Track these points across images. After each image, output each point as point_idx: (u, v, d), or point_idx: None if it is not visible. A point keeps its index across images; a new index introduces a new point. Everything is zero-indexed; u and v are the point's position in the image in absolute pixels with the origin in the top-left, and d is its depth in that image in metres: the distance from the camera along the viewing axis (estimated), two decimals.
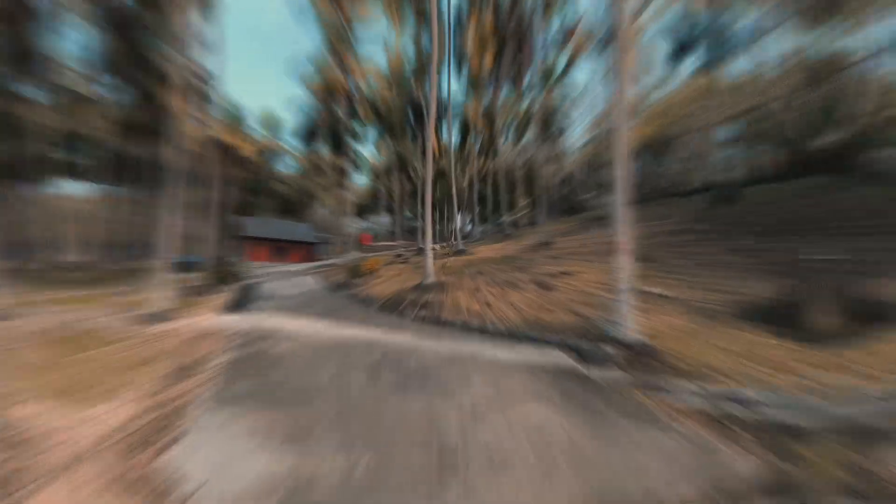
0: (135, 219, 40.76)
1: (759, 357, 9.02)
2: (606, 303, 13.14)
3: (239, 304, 19.69)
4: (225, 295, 20.93)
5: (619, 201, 10.36)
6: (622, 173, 10.40)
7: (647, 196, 46.06)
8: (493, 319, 13.42)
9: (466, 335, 12.06)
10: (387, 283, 24.18)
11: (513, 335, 11.67)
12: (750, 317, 11.53)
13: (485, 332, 12.51)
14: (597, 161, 38.62)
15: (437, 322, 14.44)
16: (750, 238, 17.36)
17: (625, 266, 10.15)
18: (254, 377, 6.83)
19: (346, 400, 5.98)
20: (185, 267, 45.72)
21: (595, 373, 8.43)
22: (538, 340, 10.89)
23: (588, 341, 10.06)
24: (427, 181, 20.71)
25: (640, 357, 9.05)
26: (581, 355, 9.59)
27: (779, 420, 6.11)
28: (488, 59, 33.98)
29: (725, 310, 12.12)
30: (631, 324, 9.86)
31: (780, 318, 11.09)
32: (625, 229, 10.29)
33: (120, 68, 30.46)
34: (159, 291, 12.56)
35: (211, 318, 13.44)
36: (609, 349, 9.24)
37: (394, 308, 17.52)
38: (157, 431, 4.85)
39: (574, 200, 66.26)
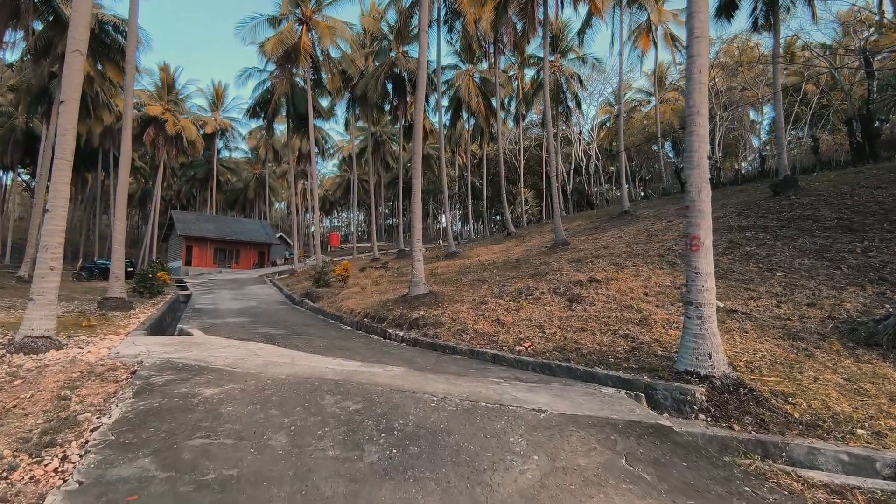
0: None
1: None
2: (662, 320, 11.78)
3: (164, 324, 17.82)
4: (148, 310, 18.99)
5: (696, 179, 8.63)
6: (699, 137, 8.67)
7: (683, 186, 44.97)
8: (512, 344, 11.74)
9: (480, 368, 10.29)
10: (362, 293, 22.45)
11: (545, 367, 9.91)
12: (853, 338, 10.14)
13: (503, 362, 10.79)
14: (617, 145, 37.14)
15: (434, 347, 12.71)
16: (825, 235, 15.99)
17: (702, 269, 8.41)
18: (156, 451, 4.86)
19: (307, 497, 4.14)
20: (100, 273, 43.69)
21: (684, 428, 6.66)
22: (584, 376, 9.12)
23: (656, 377, 8.33)
24: (416, 157, 18.90)
25: (736, 401, 7.36)
26: (652, 399, 7.83)
27: None
28: (487, 15, 32.14)
29: (818, 329, 10.74)
30: (716, 352, 8.13)
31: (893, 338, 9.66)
32: (702, 219, 8.54)
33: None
34: (43, 308, 10.57)
35: (118, 343, 11.32)
36: (691, 389, 7.49)
37: (374, 327, 15.80)
38: None
39: (587, 193, 64.93)
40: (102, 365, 8.70)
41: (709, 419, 7.14)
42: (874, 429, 6.61)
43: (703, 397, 7.42)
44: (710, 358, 8.04)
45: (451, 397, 7.18)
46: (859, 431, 6.56)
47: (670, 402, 7.63)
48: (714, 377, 7.84)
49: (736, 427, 6.79)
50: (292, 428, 5.74)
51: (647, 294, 13.95)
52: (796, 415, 7.00)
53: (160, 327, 16.79)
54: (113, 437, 5.28)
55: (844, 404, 7.37)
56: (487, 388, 7.92)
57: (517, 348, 11.37)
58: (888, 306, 11.09)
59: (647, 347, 10.30)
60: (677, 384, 7.75)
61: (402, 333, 14.20)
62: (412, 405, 6.74)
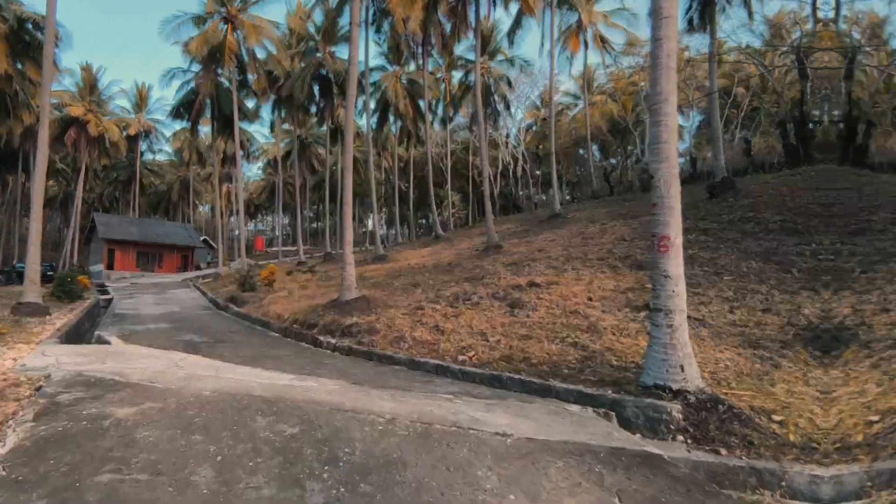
0: None
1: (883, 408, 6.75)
2: (611, 326, 11.08)
3: (81, 331, 16.33)
4: (66, 316, 17.30)
5: (665, 174, 7.76)
6: (668, 128, 7.85)
7: (612, 189, 44.95)
8: (454, 353, 10.64)
9: (424, 381, 9.18)
10: (290, 297, 21.00)
11: (496, 380, 8.82)
12: (817, 345, 9.50)
13: (448, 373, 9.67)
14: (547, 147, 36.94)
15: (370, 356, 11.55)
16: (769, 238, 15.71)
17: (672, 272, 7.57)
18: (53, 491, 3.59)
19: None
20: (18, 278, 40.92)
21: (666, 452, 5.77)
22: (541, 390, 8.07)
23: (622, 391, 7.42)
24: (347, 156, 17.90)
25: (717, 420, 6.50)
26: (622, 417, 6.92)
27: None
28: (416, 14, 31.28)
29: (778, 336, 10.11)
30: (688, 364, 7.29)
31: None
32: (672, 216, 7.71)
33: None
34: None
35: (26, 354, 9.89)
36: (666, 407, 6.64)
37: (304, 334, 14.56)
38: None
39: (514, 196, 64.88)
40: (4, 380, 7.27)
41: (689, 441, 6.23)
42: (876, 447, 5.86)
43: (680, 416, 6.51)
44: (683, 370, 7.15)
45: (400, 418, 6.04)
46: (860, 453, 5.79)
47: (642, 420, 6.71)
48: (688, 392, 6.93)
49: (722, 451, 5.90)
50: (219, 458, 4.50)
51: (591, 299, 13.18)
52: (791, 437, 6.19)
53: (77, 334, 15.25)
54: (4, 473, 4.03)
55: (832, 418, 6.63)
56: (439, 407, 6.77)
57: (461, 358, 10.30)
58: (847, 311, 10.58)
59: (600, 357, 9.42)
60: (649, 401, 6.83)
61: (334, 341, 12.95)
62: (357, 428, 5.57)
